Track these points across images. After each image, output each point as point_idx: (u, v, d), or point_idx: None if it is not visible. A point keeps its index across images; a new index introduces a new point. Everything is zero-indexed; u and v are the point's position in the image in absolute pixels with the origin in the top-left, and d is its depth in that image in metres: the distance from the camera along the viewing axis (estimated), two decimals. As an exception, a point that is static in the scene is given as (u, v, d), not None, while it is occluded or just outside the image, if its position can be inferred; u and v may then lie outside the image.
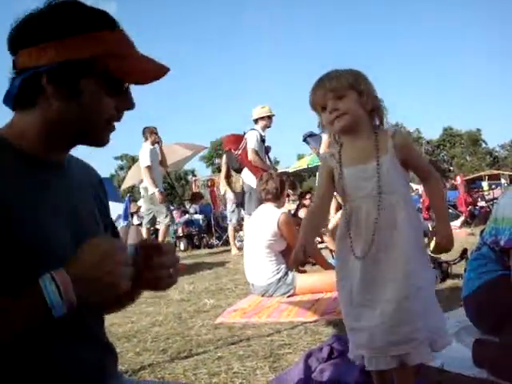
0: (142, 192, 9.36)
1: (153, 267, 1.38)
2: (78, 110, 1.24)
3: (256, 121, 8.28)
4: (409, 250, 1.96)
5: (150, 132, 9.12)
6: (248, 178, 8.07)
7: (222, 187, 10.10)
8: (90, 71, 1.23)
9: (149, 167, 8.82)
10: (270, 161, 8.55)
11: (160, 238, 9.13)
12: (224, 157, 8.68)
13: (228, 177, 9.47)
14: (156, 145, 9.18)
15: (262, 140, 8.17)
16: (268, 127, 8.32)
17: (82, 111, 1.25)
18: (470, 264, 3.21)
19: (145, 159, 8.94)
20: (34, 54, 1.19)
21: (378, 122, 2.11)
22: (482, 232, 3.28)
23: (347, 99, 2.05)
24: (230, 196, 9.86)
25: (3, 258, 1.12)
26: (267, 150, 8.35)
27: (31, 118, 1.24)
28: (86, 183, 1.46)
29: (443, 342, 2.02)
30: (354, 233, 2.04)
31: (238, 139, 8.32)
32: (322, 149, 8.19)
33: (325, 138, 8.26)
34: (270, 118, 8.33)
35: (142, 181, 9.33)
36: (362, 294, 1.99)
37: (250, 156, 7.93)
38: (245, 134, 8.34)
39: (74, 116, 1.25)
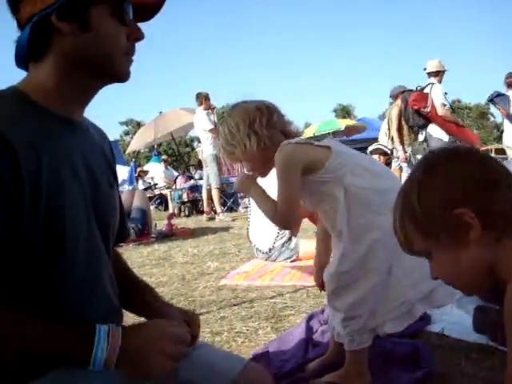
0: (200, 155, 10.09)
1: None
2: (92, 41, 1.21)
3: (433, 74, 8.09)
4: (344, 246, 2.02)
5: (204, 98, 9.53)
6: (437, 134, 7.92)
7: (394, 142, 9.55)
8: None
9: (212, 130, 9.30)
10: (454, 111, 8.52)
11: (215, 201, 9.81)
12: (403, 114, 8.35)
13: (400, 130, 9.13)
14: (209, 110, 9.56)
15: (445, 93, 8.07)
16: (440, 82, 8.16)
17: (97, 42, 1.22)
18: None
19: (205, 123, 9.43)
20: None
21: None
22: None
23: (244, 162, 2.16)
24: (400, 154, 8.89)
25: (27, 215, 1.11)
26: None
27: (47, 65, 1.22)
28: (99, 144, 1.45)
29: (384, 328, 2.04)
30: None
31: (423, 96, 7.97)
32: None
33: None
34: (444, 72, 8.22)
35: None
36: None
37: (441, 111, 7.73)
38: (419, 88, 8.13)
39: (90, 49, 1.22)
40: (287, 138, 2.07)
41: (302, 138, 2.16)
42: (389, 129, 8.66)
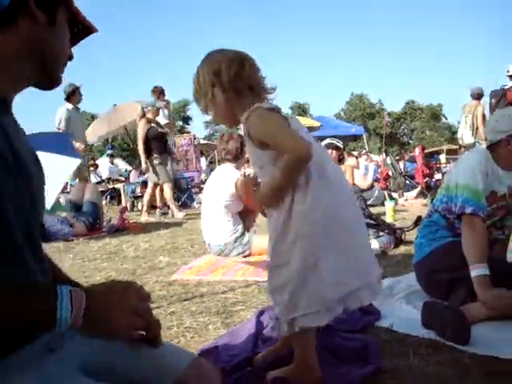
0: None
1: None
2: (54, 37, 1.26)
3: None
4: (275, 228, 2.02)
5: (160, 92, 9.68)
6: None
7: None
8: (64, 2, 1.28)
9: (166, 124, 9.46)
10: None
11: (166, 196, 9.52)
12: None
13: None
14: (164, 105, 9.70)
15: None
16: None
17: (57, 40, 1.27)
18: (421, 231, 3.26)
19: (160, 117, 9.43)
20: None
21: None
22: (432, 200, 3.32)
23: (210, 111, 2.10)
24: None
25: None
26: None
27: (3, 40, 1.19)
28: (24, 134, 1.37)
29: (303, 322, 1.95)
30: None
31: None
32: None
33: None
34: None
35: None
36: None
37: None
38: (507, 88, 8.61)
39: (50, 44, 1.26)
40: (255, 95, 2.04)
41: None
42: (472, 124, 9.68)
